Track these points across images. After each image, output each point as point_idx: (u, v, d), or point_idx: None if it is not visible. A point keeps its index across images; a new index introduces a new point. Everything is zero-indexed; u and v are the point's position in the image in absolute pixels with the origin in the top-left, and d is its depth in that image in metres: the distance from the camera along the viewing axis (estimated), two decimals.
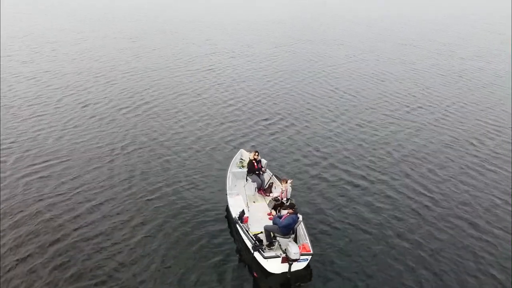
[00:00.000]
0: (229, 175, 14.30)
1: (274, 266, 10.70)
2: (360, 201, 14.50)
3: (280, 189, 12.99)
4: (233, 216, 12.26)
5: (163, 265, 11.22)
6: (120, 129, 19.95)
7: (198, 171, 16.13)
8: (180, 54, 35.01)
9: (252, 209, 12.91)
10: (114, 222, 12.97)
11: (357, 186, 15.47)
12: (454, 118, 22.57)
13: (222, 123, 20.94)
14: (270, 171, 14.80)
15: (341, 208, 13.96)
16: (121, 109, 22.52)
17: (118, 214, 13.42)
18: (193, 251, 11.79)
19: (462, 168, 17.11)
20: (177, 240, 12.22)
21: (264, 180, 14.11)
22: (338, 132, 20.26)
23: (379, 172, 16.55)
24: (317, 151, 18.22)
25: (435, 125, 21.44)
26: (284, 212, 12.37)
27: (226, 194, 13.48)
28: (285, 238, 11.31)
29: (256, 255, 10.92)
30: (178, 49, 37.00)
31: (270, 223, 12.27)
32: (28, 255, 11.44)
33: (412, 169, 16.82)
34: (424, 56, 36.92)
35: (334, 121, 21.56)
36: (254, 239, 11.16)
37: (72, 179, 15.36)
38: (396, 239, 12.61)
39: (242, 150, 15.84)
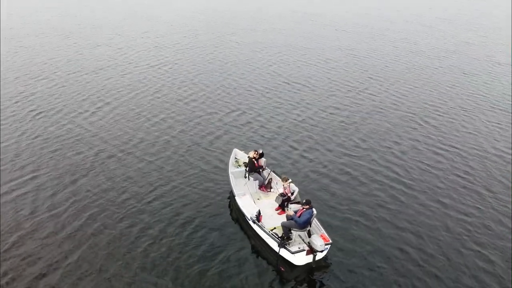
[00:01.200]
0: (231, 176, 14.79)
1: (300, 259, 11.59)
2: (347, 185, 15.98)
3: (282, 186, 13.78)
4: (249, 217, 12.86)
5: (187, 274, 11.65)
6: (92, 137, 19.34)
7: (193, 176, 16.37)
8: (126, 50, 33.81)
9: (260, 207, 13.61)
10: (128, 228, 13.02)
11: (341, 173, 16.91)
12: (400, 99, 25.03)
13: (199, 123, 21.14)
14: (267, 167, 15.48)
15: (340, 197, 15.28)
16: (85, 117, 21.68)
17: (121, 219, 13.43)
18: (210, 255, 12.25)
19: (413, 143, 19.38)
20: (195, 246, 12.55)
21: (265, 177, 14.83)
22: (301, 119, 21.55)
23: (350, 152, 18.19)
24: (286, 139, 19.36)
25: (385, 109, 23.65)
26: (292, 206, 13.30)
27: (234, 196, 13.99)
28: (302, 231, 12.27)
29: (283, 251, 11.73)
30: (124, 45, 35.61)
31: (279, 217, 13.17)
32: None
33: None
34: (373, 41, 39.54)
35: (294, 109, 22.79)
36: (277, 236, 11.97)
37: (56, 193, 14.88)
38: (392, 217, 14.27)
39: (235, 150, 16.27)
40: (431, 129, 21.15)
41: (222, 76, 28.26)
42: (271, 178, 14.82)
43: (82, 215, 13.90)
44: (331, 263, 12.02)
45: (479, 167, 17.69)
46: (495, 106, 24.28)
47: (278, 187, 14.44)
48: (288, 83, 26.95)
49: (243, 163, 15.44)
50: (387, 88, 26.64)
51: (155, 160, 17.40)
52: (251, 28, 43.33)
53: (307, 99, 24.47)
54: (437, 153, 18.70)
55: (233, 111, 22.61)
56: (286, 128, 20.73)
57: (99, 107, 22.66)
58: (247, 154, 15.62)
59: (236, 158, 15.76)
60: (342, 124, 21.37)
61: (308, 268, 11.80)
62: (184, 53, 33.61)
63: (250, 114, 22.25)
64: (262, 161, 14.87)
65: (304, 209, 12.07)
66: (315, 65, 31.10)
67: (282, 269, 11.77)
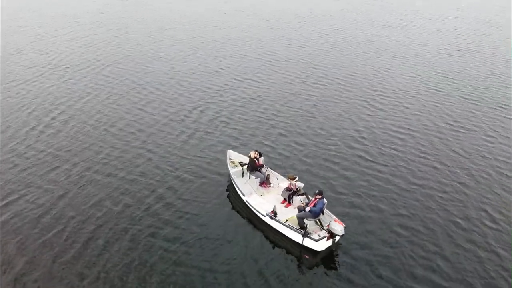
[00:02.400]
0: (233, 178, 15.32)
1: (322, 244, 12.74)
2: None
3: (289, 182, 14.65)
4: (265, 214, 13.66)
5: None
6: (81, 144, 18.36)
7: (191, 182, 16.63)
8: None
9: (267, 202, 14.45)
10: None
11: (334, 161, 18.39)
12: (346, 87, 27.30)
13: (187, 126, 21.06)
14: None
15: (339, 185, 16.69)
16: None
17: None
18: (232, 257, 12.91)
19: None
20: (215, 254, 13.08)
21: (265, 174, 15.65)
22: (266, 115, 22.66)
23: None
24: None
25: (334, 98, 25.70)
26: (298, 198, 14.39)
27: (244, 196, 14.62)
28: (314, 220, 13.45)
29: (306, 240, 12.79)
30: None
31: (287, 210, 14.19)
32: None
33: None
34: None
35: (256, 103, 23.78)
36: (299, 228, 13.02)
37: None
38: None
39: (229, 151, 16.76)
40: (381, 112, 23.61)
41: (168, 75, 28.00)
42: (268, 174, 15.71)
43: (82, 237, 13.59)
44: (341, 243, 13.49)
45: (430, 144, 20.44)
46: (429, 87, 27.63)
47: (279, 181, 15.41)
48: (241, 80, 27.61)
49: (239, 162, 16.08)
50: (333, 77, 28.73)
51: (122, 174, 17.29)
52: (185, 23, 42.79)
53: (261, 93, 25.44)
54: (392, 135, 21.10)
55: (194, 109, 22.86)
56: (251, 123, 21.61)
57: (54, 118, 21.41)
58: (237, 153, 16.36)
59: (230, 159, 16.31)
60: (304, 115, 22.83)
61: (329, 251, 13.09)
62: (122, 52, 32.42)
63: (214, 113, 22.66)
64: (262, 159, 15.66)
65: (317, 199, 13.24)
66: (258, 58, 32.06)
67: (307, 256, 12.88)
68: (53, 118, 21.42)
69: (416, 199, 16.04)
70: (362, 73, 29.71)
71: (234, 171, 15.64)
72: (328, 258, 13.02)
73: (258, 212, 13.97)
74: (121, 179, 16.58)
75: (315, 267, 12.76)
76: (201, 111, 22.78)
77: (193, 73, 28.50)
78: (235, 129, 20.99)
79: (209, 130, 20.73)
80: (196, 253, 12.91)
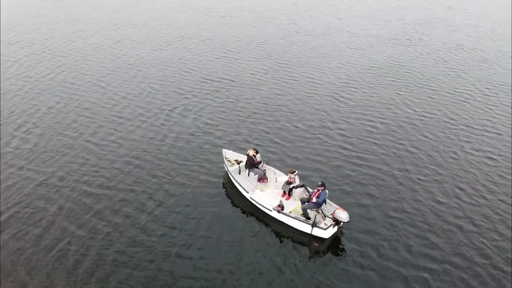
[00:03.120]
0: (233, 176, 15.76)
1: (330, 232, 13.70)
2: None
3: (289, 176, 15.37)
4: (271, 208, 14.36)
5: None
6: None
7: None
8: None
9: (268, 196, 15.14)
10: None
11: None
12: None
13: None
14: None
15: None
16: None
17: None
18: (243, 251, 13.52)
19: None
20: (227, 251, 13.57)
21: (262, 170, 16.25)
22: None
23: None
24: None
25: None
26: (297, 190, 15.17)
27: (247, 193, 15.15)
28: (316, 210, 14.33)
29: (315, 230, 13.65)
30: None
31: (288, 202, 14.91)
32: None
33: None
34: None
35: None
36: (307, 219, 13.83)
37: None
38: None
39: (224, 150, 17.14)
40: (351, 103, 25.00)
41: (136, 78, 27.65)
42: (265, 170, 16.36)
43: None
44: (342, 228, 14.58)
45: (401, 130, 22.07)
46: (389, 76, 29.49)
47: (276, 175, 16.14)
48: (212, 80, 27.81)
49: (235, 160, 16.57)
50: (301, 72, 29.77)
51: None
52: (141, 23, 41.89)
53: (235, 92, 25.88)
54: (366, 124, 22.52)
55: (172, 112, 22.93)
56: (232, 122, 22.13)
57: (27, 131, 20.56)
58: (232, 151, 16.92)
59: (226, 158, 16.71)
60: (281, 110, 23.67)
61: (335, 237, 14.09)
62: (81, 57, 31.35)
63: (193, 115, 22.86)
64: (259, 156, 16.25)
65: (320, 190, 14.11)
66: (222, 57, 32.37)
67: (316, 244, 13.78)
68: (26, 132, 20.54)
69: (400, 183, 17.43)
70: (326, 66, 31.03)
71: (233, 169, 16.12)
72: (333, 244, 14.01)
73: (264, 207, 14.61)
74: (115, 189, 16.45)
75: (323, 253, 13.69)
76: (180, 114, 22.85)
77: (162, 75, 28.30)
78: (219, 129, 21.32)
79: (192, 132, 20.92)
80: (209, 256, 13.28)
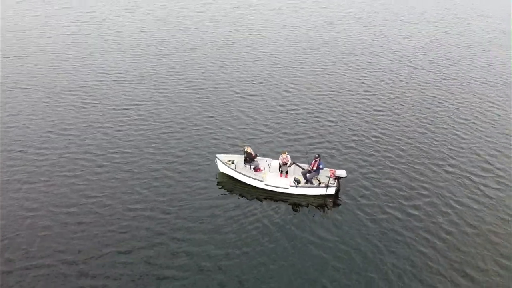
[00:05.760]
0: (241, 173, 18.28)
1: (336, 186, 17.48)
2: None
3: (282, 157, 18.31)
4: (289, 186, 17.57)
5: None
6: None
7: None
8: None
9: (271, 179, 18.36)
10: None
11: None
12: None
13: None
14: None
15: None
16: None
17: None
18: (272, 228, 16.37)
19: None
20: (262, 231, 16.17)
21: (257, 162, 18.99)
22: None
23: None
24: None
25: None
26: (290, 168, 18.51)
27: (262, 181, 17.85)
28: (315, 176, 18.20)
29: (329, 189, 17.38)
30: None
31: (286, 180, 18.30)
32: None
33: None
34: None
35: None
36: (322, 182, 17.61)
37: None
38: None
39: (218, 156, 18.97)
40: (252, 98, 27.71)
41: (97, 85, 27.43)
42: (257, 161, 19.41)
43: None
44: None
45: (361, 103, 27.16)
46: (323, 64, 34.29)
47: (268, 163, 18.99)
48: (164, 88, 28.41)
49: (229, 161, 18.81)
50: (204, 71, 32.05)
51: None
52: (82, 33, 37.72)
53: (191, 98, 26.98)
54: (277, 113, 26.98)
55: (137, 122, 23.67)
56: (205, 125, 23.53)
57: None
58: (223, 154, 19.55)
59: (223, 162, 18.73)
60: (242, 106, 26.00)
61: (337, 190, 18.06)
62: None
63: (161, 126, 23.29)
64: (252, 150, 19.07)
65: (317, 161, 17.94)
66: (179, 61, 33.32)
67: (330, 199, 17.64)
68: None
69: (376, 150, 21.70)
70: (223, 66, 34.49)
71: (236, 168, 18.50)
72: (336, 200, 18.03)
73: (281, 187, 17.68)
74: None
75: (339, 202, 17.68)
76: (145, 124, 23.66)
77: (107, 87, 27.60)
78: (198, 134, 22.70)
79: (169, 139, 22.21)
80: (252, 250, 15.17)
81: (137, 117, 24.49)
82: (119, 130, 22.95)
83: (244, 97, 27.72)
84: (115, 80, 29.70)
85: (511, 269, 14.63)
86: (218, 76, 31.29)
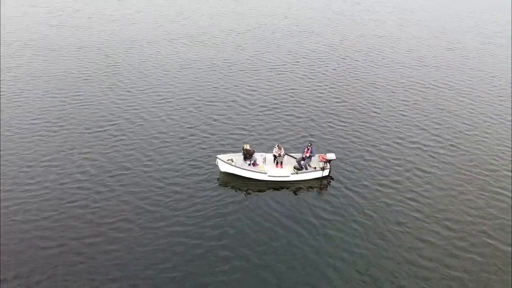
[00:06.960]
0: (243, 169, 19.77)
1: (329, 169, 19.92)
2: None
3: (277, 150, 20.17)
4: (290, 174, 19.58)
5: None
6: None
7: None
8: None
9: (273, 170, 20.28)
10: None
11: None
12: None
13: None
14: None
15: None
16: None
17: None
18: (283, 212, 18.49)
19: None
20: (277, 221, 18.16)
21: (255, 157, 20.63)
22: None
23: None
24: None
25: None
26: (283, 158, 20.62)
27: (265, 173, 19.54)
28: (309, 161, 20.57)
29: (325, 172, 19.73)
30: None
31: (283, 169, 20.38)
32: None
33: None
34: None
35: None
36: (315, 168, 19.91)
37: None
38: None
39: (219, 156, 20.13)
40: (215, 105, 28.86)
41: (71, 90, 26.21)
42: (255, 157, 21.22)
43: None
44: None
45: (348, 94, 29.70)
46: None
47: (263, 156, 20.74)
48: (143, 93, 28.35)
49: (229, 160, 20.28)
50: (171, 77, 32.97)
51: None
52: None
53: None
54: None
55: (120, 126, 23.46)
56: (200, 126, 24.46)
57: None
58: (222, 154, 20.97)
59: (225, 161, 20.10)
60: (230, 105, 27.20)
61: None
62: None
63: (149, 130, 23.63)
64: (250, 148, 20.78)
65: (309, 148, 20.26)
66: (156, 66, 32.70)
67: (326, 180, 20.08)
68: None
69: (344, 136, 24.66)
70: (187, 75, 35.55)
71: (236, 165, 19.98)
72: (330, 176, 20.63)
73: (283, 176, 19.63)
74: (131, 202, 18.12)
75: (333, 182, 20.20)
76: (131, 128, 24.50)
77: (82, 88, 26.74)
78: (186, 144, 23.33)
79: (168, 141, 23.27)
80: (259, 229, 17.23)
81: (115, 137, 24.23)
82: (104, 153, 22.42)
83: (208, 104, 28.70)
84: (85, 104, 29.20)
85: (475, 216, 18.43)
86: (178, 87, 32.21)
